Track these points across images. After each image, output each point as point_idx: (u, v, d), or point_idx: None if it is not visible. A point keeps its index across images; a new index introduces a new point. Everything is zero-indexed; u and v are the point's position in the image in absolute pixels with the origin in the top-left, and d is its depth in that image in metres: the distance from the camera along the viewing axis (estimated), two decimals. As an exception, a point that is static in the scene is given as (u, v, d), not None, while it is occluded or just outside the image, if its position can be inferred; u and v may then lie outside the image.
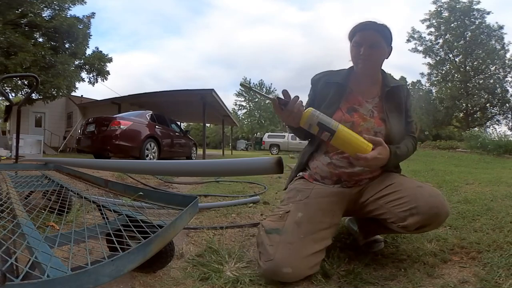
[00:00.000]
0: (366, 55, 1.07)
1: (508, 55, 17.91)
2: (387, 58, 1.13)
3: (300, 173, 1.19)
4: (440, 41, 19.41)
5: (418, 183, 1.01)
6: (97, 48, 11.33)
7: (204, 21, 73.93)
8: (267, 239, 0.96)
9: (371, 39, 1.06)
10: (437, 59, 19.91)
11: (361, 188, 1.09)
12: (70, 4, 9.71)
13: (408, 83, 22.74)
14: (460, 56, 18.97)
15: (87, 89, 67.41)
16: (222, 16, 72.24)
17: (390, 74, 1.10)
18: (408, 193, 0.96)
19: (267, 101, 35.47)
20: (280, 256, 0.90)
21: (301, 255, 0.92)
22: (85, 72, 11.08)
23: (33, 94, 8.67)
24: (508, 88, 18.42)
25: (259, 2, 70.88)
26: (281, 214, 1.02)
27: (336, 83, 1.14)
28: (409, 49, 20.68)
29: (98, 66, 10.94)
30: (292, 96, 0.97)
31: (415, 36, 20.07)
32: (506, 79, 18.42)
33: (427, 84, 21.42)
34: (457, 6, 18.03)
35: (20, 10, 8.71)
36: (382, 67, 1.16)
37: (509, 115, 19.05)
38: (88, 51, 10.90)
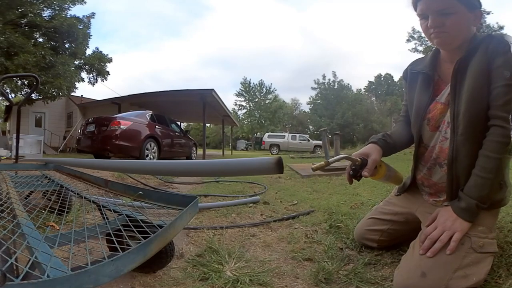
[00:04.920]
0: (436, 27, 0.86)
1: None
2: (475, 25, 0.88)
3: None
4: (440, 41, 19.43)
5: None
6: (97, 48, 11.37)
7: (203, 24, 73.89)
8: None
9: (437, 6, 0.85)
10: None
11: None
12: (70, 4, 9.72)
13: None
14: (460, 56, 18.98)
15: (87, 89, 67.34)
16: (220, 18, 72.27)
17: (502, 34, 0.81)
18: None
19: (267, 101, 35.75)
20: None
21: None
22: (85, 72, 11.11)
23: (33, 94, 8.67)
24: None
25: (258, 3, 70.93)
26: None
27: (420, 72, 1.01)
28: (409, 49, 20.66)
29: (98, 66, 10.96)
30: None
31: (415, 36, 20.03)
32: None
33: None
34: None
35: (20, 10, 8.72)
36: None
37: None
38: (88, 51, 10.94)
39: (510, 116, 0.83)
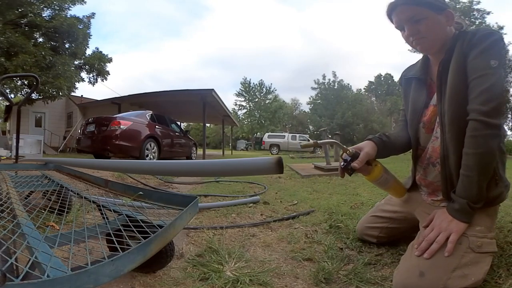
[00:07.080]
0: (414, 34, 0.91)
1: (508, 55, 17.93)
2: (449, 25, 0.91)
3: None
4: (440, 41, 19.44)
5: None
6: (97, 48, 11.38)
7: (203, 24, 74.18)
8: None
9: (406, 15, 0.90)
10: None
11: None
12: (70, 4, 9.72)
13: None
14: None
15: (87, 89, 67.51)
16: (220, 18, 72.40)
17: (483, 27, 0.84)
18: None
19: (267, 101, 35.75)
20: None
21: None
22: (85, 72, 11.11)
23: (33, 94, 8.67)
24: (509, 88, 18.44)
25: (258, 3, 70.94)
26: None
27: (413, 78, 1.04)
28: (409, 49, 20.58)
29: (98, 66, 10.96)
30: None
31: (415, 36, 20.03)
32: (507, 79, 18.41)
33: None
34: (457, 6, 17.97)
35: (20, 10, 8.71)
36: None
37: (510, 115, 19.08)
38: (88, 51, 10.93)
39: (494, 105, 0.78)
